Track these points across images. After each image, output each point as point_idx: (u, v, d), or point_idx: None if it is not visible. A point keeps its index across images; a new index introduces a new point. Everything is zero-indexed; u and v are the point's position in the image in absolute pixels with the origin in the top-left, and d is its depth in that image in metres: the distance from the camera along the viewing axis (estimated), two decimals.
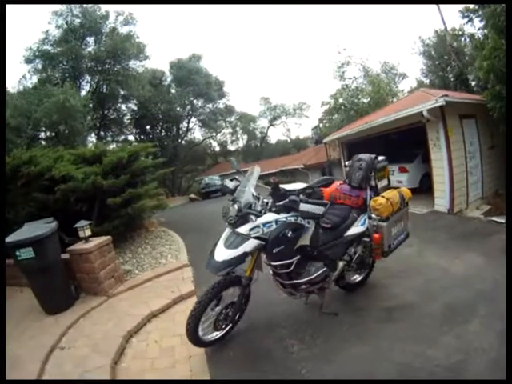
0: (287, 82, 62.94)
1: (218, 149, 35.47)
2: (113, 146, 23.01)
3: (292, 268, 2.62)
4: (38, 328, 3.34)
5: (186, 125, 28.26)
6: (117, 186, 6.04)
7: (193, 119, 28.25)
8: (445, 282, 3.40)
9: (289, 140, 39.90)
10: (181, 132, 28.05)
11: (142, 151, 7.32)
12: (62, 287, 3.97)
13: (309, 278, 2.74)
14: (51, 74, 15.06)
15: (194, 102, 26.63)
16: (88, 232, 4.43)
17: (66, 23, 14.95)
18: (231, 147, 35.80)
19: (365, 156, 3.35)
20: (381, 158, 3.44)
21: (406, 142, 8.71)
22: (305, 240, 2.75)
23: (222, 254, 2.37)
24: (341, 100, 16.43)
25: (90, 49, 15.34)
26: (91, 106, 15.30)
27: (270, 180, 2.66)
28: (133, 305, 3.76)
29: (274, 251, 2.48)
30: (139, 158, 7.27)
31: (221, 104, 29.25)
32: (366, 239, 3.08)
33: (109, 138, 22.93)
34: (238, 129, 34.26)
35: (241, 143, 36.90)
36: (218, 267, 2.35)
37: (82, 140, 11.58)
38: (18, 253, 3.66)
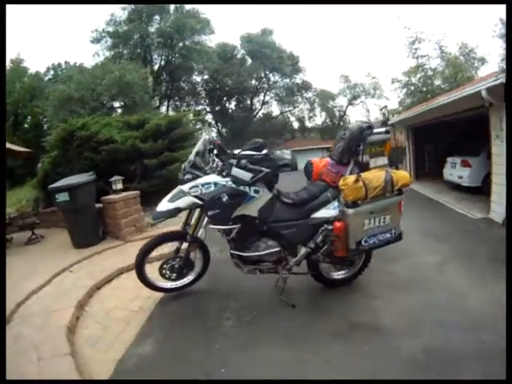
0: (364, 59, 57.50)
1: (296, 124, 35.15)
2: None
3: (232, 236, 2.55)
4: (61, 256, 4.22)
5: (261, 98, 28.73)
6: (155, 149, 6.78)
7: (269, 93, 28.50)
8: (449, 314, 2.45)
9: (376, 121, 37.33)
10: (256, 105, 28.65)
11: (183, 119, 7.92)
12: (89, 228, 4.82)
13: (255, 253, 2.58)
14: (121, 51, 16.84)
15: (269, 76, 26.87)
16: (120, 185, 5.15)
17: (129, 5, 16.45)
18: (309, 123, 35.01)
19: (354, 124, 2.83)
20: (380, 129, 2.82)
21: (475, 133, 7.19)
22: (249, 210, 2.54)
23: (162, 206, 2.55)
24: (413, 79, 14.64)
25: (156, 26, 16.58)
26: (162, 77, 16.94)
27: (215, 142, 2.70)
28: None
29: (209, 213, 2.50)
30: (181, 126, 7.88)
31: (297, 79, 28.82)
32: (329, 227, 2.55)
33: (184, 108, 24.73)
34: (316, 105, 33.19)
35: (319, 120, 35.87)
36: (155, 216, 2.59)
37: (148, 109, 12.91)
38: (56, 196, 4.60)
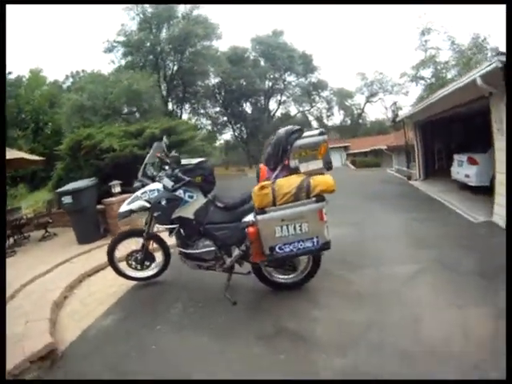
0: (381, 55, 56.56)
1: (315, 123, 35.39)
2: (195, 117, 26.28)
3: (174, 234, 2.97)
4: (66, 250, 5.05)
5: (278, 98, 29.29)
6: None
7: (286, 93, 29.00)
8: (393, 338, 2.15)
9: (386, 118, 37.05)
10: (272, 106, 29.32)
11: (180, 126, 8.65)
12: (90, 226, 5.63)
13: (195, 251, 2.91)
14: (133, 58, 18.00)
15: (285, 76, 27.54)
16: (118, 189, 5.93)
17: (138, 15, 17.51)
18: (327, 122, 35.32)
19: (282, 129, 2.80)
20: (312, 131, 2.79)
21: (483, 128, 6.53)
22: (185, 212, 2.92)
23: (122, 207, 3.08)
24: (422, 73, 14.65)
25: (164, 34, 17.56)
26: (176, 82, 17.96)
27: (159, 156, 3.08)
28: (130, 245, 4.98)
29: (154, 214, 2.98)
30: (177, 133, 8.59)
31: (313, 78, 29.24)
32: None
33: (201, 111, 25.91)
34: (333, 104, 33.67)
35: (337, 119, 36.10)
36: (117, 216, 3.23)
37: (159, 115, 13.78)
38: (62, 198, 5.45)
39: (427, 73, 15.80)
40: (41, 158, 7.27)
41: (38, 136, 19.35)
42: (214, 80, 23.34)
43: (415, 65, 16.20)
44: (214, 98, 25.97)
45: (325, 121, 35.02)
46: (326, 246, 2.57)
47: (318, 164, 2.67)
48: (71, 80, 24.42)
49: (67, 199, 5.43)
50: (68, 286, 3.55)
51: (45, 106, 20.34)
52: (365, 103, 34.97)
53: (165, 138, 3.38)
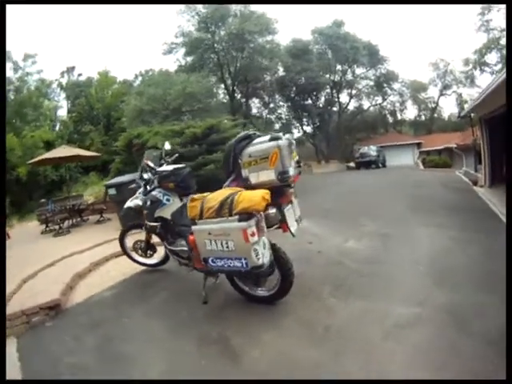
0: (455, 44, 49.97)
1: (389, 117, 33.66)
2: (264, 114, 27.27)
3: (157, 231, 3.41)
4: (110, 233, 5.95)
5: (347, 91, 28.41)
6: (192, 153, 8.29)
7: (356, 85, 28.01)
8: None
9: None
10: (341, 99, 28.44)
11: (222, 125, 9.23)
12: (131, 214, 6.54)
13: (173, 248, 3.26)
14: (194, 58, 19.06)
15: (354, 67, 26.62)
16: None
17: (193, 17, 18.47)
18: (400, 117, 33.71)
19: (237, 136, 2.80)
20: (261, 138, 2.68)
21: None
22: (164, 213, 3.31)
23: (125, 204, 3.72)
24: (487, 58, 12.99)
25: (222, 32, 18.15)
26: (239, 79, 18.97)
27: (146, 163, 3.52)
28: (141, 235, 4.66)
29: (144, 212, 3.46)
30: (219, 131, 9.22)
31: (382, 69, 27.69)
32: None
33: (271, 105, 26.54)
34: (406, 97, 31.58)
35: (412, 113, 34.15)
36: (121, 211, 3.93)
37: (218, 112, 14.75)
38: (109, 190, 6.45)
39: (493, 58, 13.77)
40: (96, 154, 8.58)
41: (109, 130, 22.10)
42: (276, 75, 23.43)
43: (478, 49, 14.23)
44: (279, 92, 25.82)
45: (398, 115, 33.25)
46: (258, 269, 2.35)
47: (269, 175, 2.52)
48: (140, 79, 27.21)
49: (112, 191, 6.43)
50: (95, 263, 4.41)
51: (115, 104, 23.12)
52: (439, 96, 32.24)
53: (166, 144, 3.83)
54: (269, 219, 2.59)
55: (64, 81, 28.15)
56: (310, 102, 27.06)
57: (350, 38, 24.53)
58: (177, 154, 3.92)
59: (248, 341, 2.44)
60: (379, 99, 29.89)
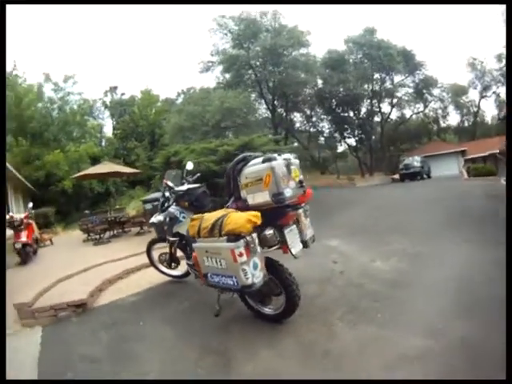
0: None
1: (432, 126, 32.50)
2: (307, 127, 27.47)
3: (176, 245, 3.70)
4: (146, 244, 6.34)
5: (387, 101, 27.70)
6: (224, 170, 8.62)
7: (396, 94, 27.22)
8: None
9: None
10: (382, 109, 27.85)
11: (256, 141, 9.49)
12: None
13: (189, 262, 3.43)
14: (231, 76, 19.61)
15: (389, 76, 26.00)
16: None
17: (226, 34, 19.02)
18: (443, 124, 32.59)
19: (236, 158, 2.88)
20: (255, 160, 2.70)
21: None
22: (180, 229, 3.54)
23: (151, 219, 4.09)
24: None
25: (257, 48, 18.35)
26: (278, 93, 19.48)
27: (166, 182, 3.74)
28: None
29: (164, 228, 3.72)
30: (252, 149, 9.47)
31: (420, 75, 26.61)
32: None
33: (313, 119, 26.78)
34: (447, 103, 30.20)
35: (454, 120, 32.73)
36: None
37: (257, 127, 15.06)
38: (145, 205, 6.94)
39: None
40: (136, 171, 9.23)
41: (154, 147, 23.38)
42: (315, 88, 23.52)
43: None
44: (319, 105, 25.75)
45: (441, 122, 31.88)
46: (248, 288, 2.42)
47: (263, 196, 2.55)
48: (182, 97, 28.76)
49: (148, 206, 6.95)
50: (126, 271, 4.78)
51: (159, 121, 24.46)
52: (479, 99, 30.36)
53: (189, 164, 4.04)
54: (266, 240, 2.63)
55: (107, 99, 30.37)
56: (350, 113, 26.66)
57: (383, 45, 23.67)
58: (198, 174, 4.13)
59: (244, 355, 2.50)
60: (420, 107, 28.88)
